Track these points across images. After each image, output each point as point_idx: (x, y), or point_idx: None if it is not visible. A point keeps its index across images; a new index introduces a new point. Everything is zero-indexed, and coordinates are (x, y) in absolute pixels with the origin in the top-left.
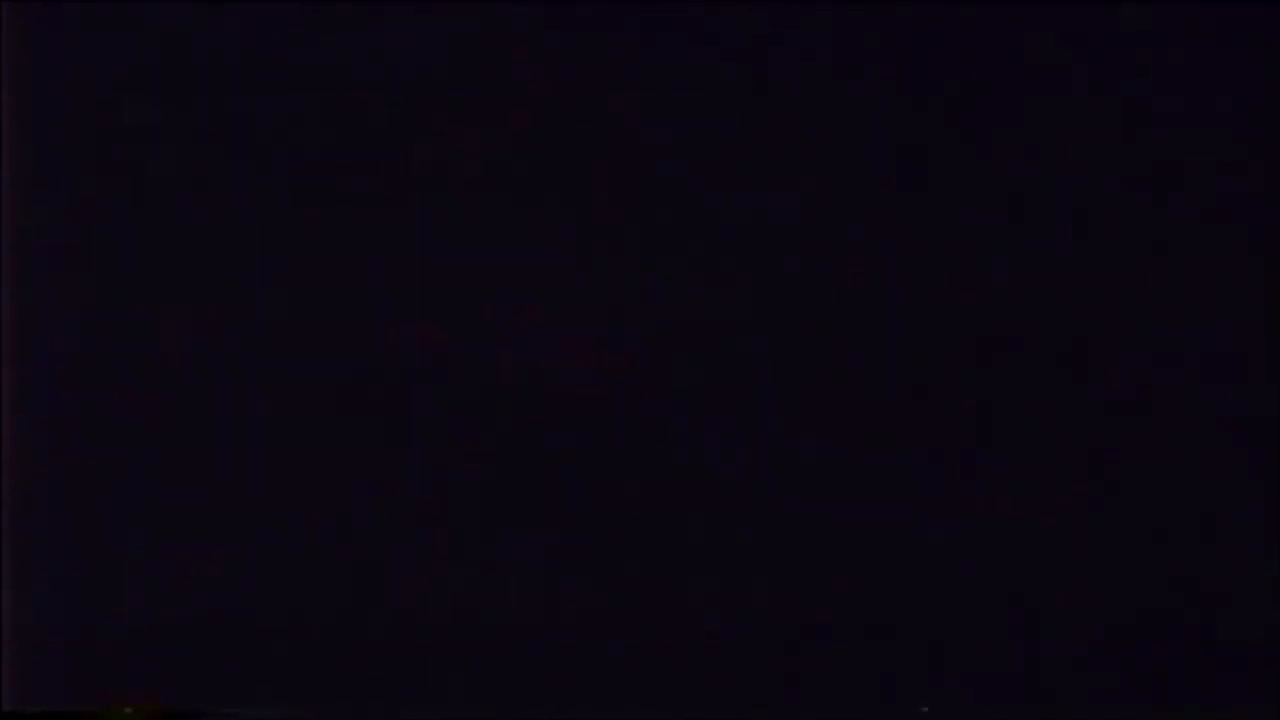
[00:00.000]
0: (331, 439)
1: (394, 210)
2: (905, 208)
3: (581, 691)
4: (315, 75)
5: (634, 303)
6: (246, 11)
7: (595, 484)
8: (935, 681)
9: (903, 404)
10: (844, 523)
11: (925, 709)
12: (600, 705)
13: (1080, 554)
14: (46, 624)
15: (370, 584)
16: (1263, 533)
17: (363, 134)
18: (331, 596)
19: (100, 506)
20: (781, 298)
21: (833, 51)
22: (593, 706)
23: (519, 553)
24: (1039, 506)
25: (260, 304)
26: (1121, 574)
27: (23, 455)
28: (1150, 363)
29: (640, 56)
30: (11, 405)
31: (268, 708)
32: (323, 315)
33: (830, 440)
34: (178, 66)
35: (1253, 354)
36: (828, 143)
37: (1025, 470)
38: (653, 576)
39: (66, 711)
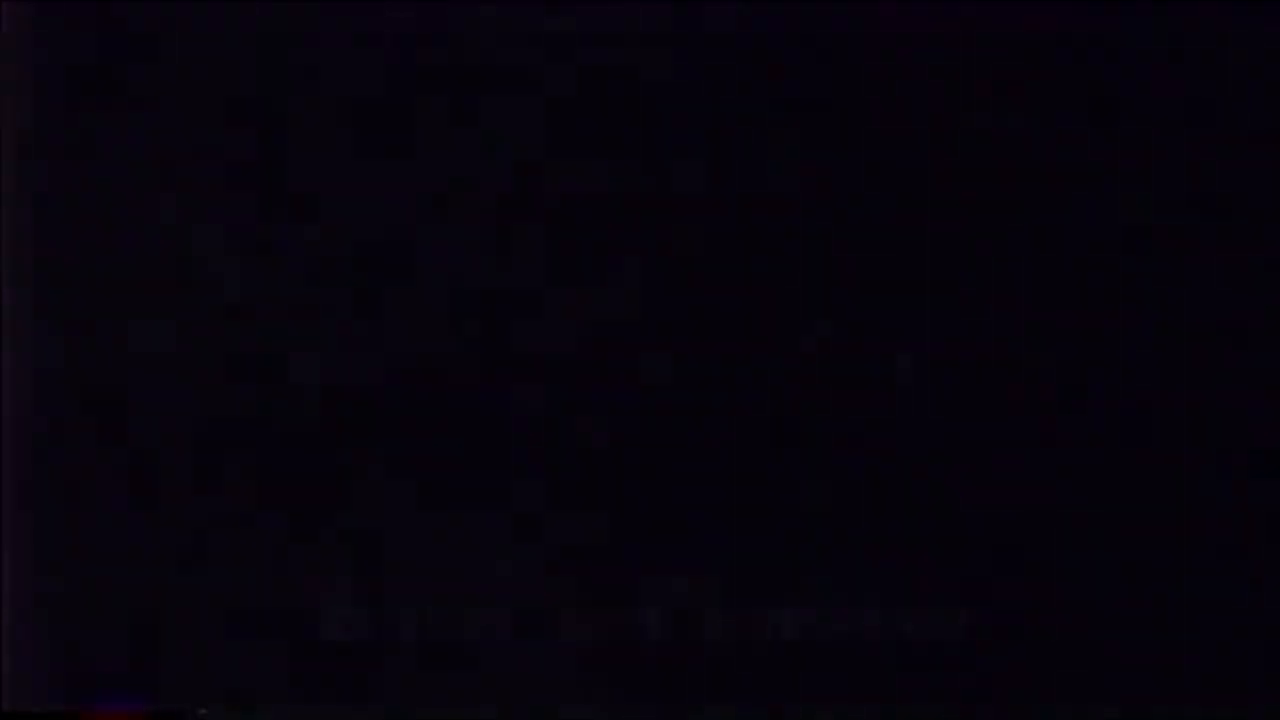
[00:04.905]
0: None
1: None
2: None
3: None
4: (320, 73)
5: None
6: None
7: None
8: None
9: None
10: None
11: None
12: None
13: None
14: (46, 624)
15: None
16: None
17: None
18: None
19: (102, 506)
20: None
21: None
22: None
23: None
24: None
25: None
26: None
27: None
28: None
29: None
30: (12, 401)
31: (259, 708)
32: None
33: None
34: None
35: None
36: None
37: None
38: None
39: (66, 711)
